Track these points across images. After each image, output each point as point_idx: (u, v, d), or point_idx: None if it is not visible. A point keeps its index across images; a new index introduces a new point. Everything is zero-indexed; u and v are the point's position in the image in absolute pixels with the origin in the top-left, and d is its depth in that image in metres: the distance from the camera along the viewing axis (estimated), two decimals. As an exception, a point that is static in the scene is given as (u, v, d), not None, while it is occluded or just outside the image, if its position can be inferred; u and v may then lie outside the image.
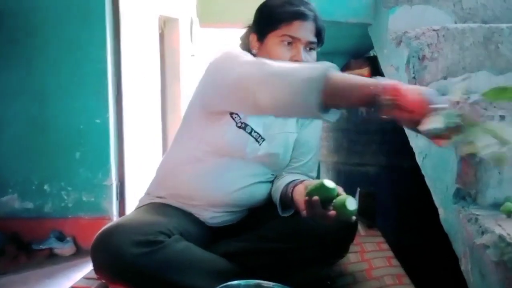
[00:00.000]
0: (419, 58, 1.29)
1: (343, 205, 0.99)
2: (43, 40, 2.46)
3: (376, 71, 1.92)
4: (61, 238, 2.45)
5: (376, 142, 1.96)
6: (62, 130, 2.49)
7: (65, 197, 2.53)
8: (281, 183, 1.25)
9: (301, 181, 1.18)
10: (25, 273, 2.14)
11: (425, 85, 1.28)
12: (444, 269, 1.34)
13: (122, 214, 2.60)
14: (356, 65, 2.23)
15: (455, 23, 1.55)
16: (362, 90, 0.83)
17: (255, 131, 1.23)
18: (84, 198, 2.53)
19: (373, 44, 1.77)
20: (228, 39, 4.65)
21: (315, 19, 1.21)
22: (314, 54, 1.24)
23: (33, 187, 2.51)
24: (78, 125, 2.49)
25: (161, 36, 3.93)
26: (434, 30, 1.28)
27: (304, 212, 1.03)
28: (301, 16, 1.18)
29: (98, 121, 2.49)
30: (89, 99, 2.49)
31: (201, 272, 0.98)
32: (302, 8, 1.19)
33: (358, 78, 0.87)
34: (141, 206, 1.30)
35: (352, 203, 0.99)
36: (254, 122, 1.23)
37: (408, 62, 1.33)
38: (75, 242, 2.47)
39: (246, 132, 1.22)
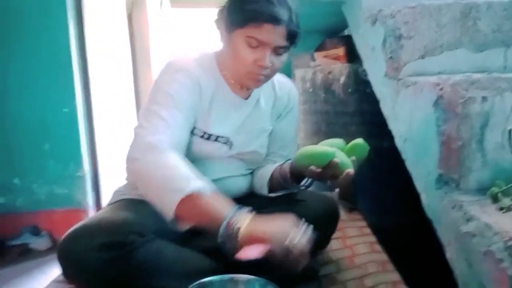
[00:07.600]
0: (395, 37, 1.25)
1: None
2: (0, 33, 2.30)
3: (351, 50, 1.88)
4: (36, 232, 2.35)
5: (355, 123, 1.93)
6: (28, 123, 2.36)
7: (37, 191, 2.42)
8: (267, 168, 1.27)
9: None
10: (0, 271, 2.06)
11: (402, 65, 1.24)
12: (428, 253, 1.33)
13: (98, 205, 2.52)
14: (331, 45, 2.18)
15: (432, -2, 1.51)
16: (212, 225, 0.92)
17: (221, 137, 1.19)
18: (57, 191, 2.42)
19: (348, 23, 1.72)
20: (197, 20, 4.60)
21: (289, 22, 1.07)
22: (283, 57, 1.14)
23: (2, 183, 2.39)
24: (44, 116, 2.36)
25: (129, 18, 3.79)
26: (410, 7, 1.24)
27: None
28: (272, 20, 1.04)
29: (65, 110, 2.37)
30: (54, 89, 2.35)
31: (175, 273, 0.93)
32: (277, 10, 1.04)
33: (214, 209, 0.93)
34: (114, 202, 1.23)
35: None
36: (218, 129, 1.18)
37: (384, 41, 1.29)
38: (51, 236, 2.37)
39: (211, 141, 1.18)
